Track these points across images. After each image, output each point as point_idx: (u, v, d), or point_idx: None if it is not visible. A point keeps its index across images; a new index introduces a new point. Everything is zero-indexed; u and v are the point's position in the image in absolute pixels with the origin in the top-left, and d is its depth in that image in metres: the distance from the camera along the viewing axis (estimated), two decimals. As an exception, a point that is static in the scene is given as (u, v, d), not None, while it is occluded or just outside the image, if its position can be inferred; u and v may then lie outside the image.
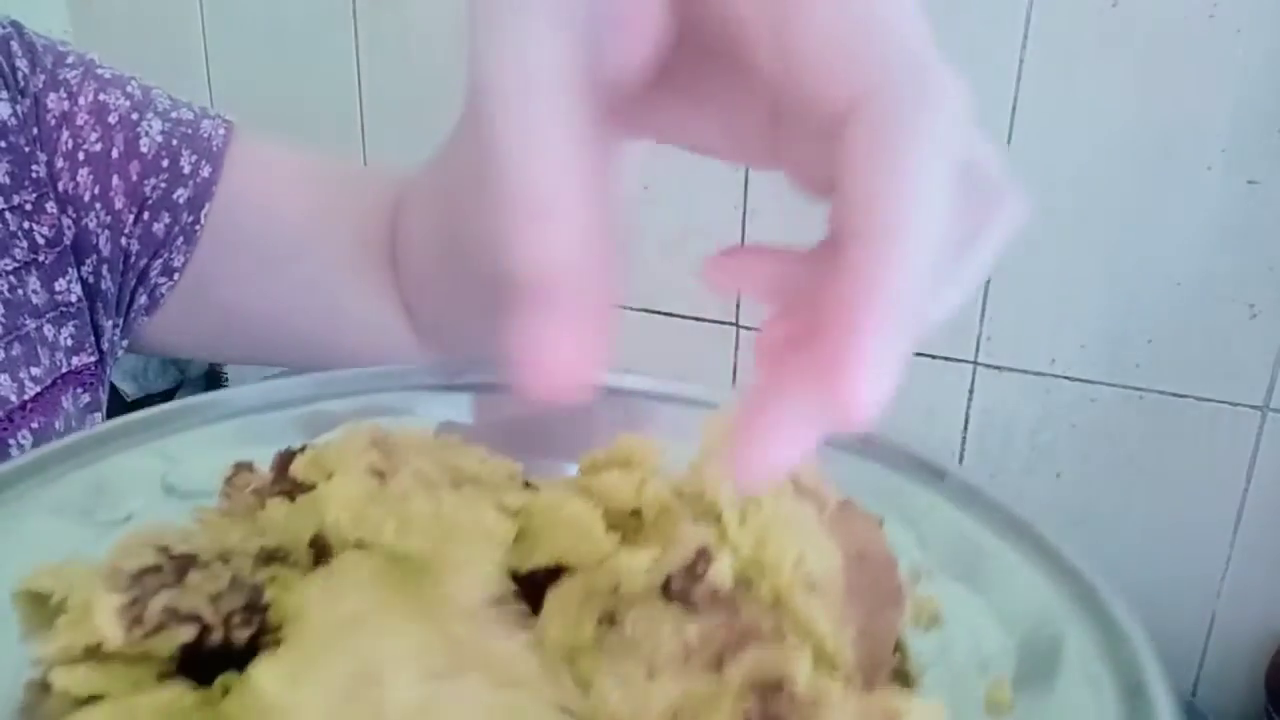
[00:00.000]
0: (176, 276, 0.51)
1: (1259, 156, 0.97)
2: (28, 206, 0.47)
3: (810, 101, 0.20)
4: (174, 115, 0.52)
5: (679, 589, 0.22)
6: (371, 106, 1.34)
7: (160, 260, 0.51)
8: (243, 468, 0.25)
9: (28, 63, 0.49)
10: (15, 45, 0.48)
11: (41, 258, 0.47)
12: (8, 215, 0.47)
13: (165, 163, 0.50)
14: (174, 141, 0.51)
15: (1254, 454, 1.03)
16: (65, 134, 0.49)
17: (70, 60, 0.50)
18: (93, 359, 0.49)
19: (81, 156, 0.49)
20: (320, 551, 0.22)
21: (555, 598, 0.23)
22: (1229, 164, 0.98)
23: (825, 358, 0.18)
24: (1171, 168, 1.00)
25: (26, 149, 0.47)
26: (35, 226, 0.47)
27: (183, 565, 0.21)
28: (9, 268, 0.46)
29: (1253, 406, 1.02)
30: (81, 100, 0.49)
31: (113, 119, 0.50)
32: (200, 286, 0.52)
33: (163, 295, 0.51)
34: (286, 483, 0.24)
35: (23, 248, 0.47)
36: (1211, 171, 0.99)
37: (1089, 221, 1.04)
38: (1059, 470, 1.12)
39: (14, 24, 0.50)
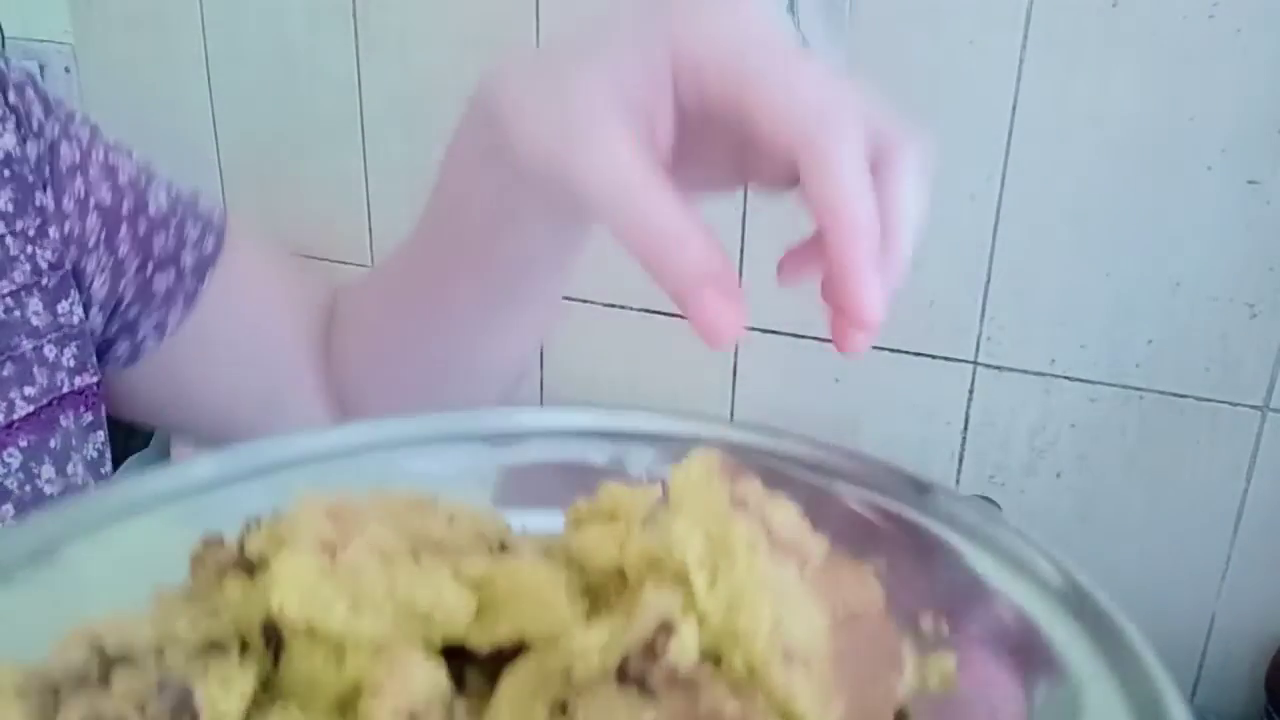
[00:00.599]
0: (166, 337, 0.53)
1: (1259, 156, 0.96)
2: (30, 232, 0.48)
3: (768, 147, 0.29)
4: (175, 189, 0.55)
5: (636, 671, 0.21)
6: (371, 106, 1.34)
7: (155, 316, 0.52)
8: (211, 543, 0.24)
9: (42, 109, 0.50)
10: (30, 92, 0.49)
11: (44, 280, 0.48)
12: (9, 240, 0.47)
13: (173, 226, 0.53)
14: (179, 208, 0.53)
15: (1254, 454, 1.03)
16: (79, 181, 0.50)
17: (79, 119, 0.52)
18: (95, 379, 0.50)
19: (92, 203, 0.51)
20: (271, 635, 0.22)
21: (507, 684, 0.21)
22: (1229, 164, 0.97)
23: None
24: (1171, 168, 0.99)
25: (31, 179, 0.48)
26: (39, 251, 0.48)
27: (112, 663, 0.20)
28: (6, 290, 0.47)
29: (1253, 406, 1.02)
30: (94, 156, 0.51)
31: (123, 179, 0.52)
32: (172, 356, 0.54)
33: (145, 352, 0.53)
34: (248, 558, 0.23)
35: (25, 271, 0.47)
36: (1211, 171, 0.98)
37: (1089, 221, 1.04)
38: (1059, 470, 1.11)
39: (30, 76, 0.51)
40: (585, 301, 1.29)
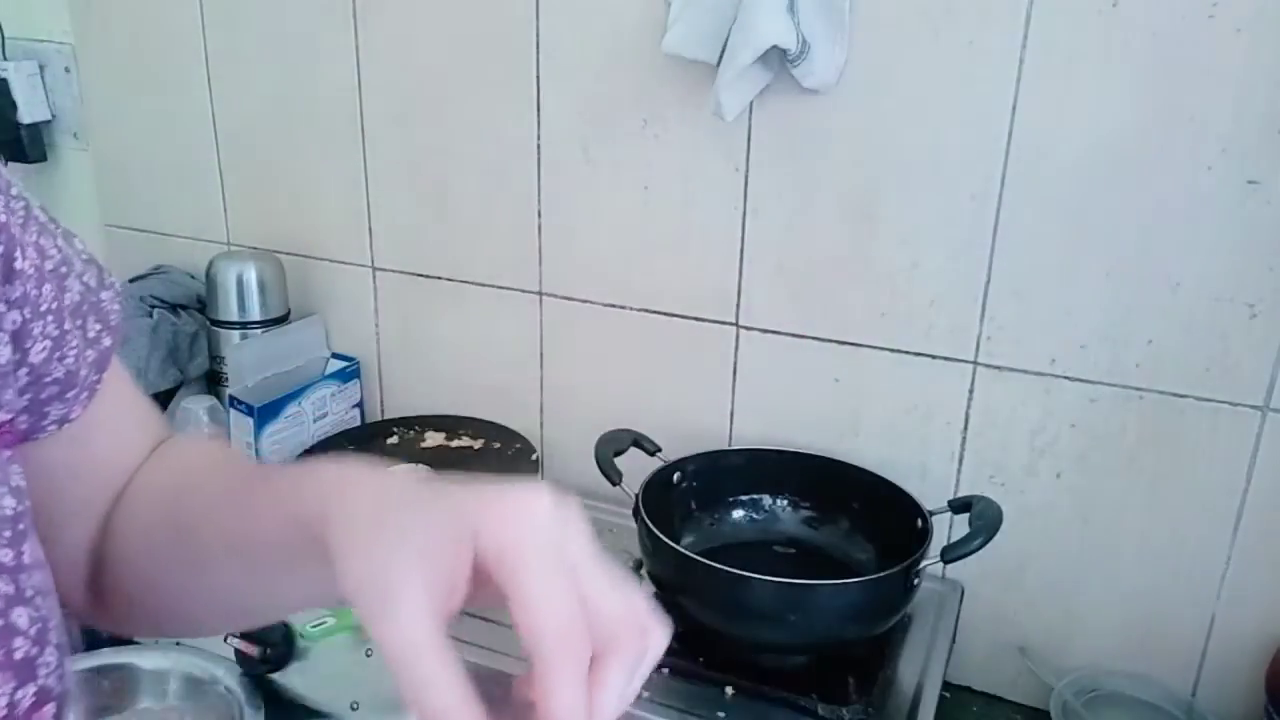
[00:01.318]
0: (65, 428, 0.53)
1: (1259, 156, 0.96)
2: None
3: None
4: (85, 279, 0.55)
5: None
6: (371, 106, 1.34)
7: (64, 406, 0.53)
8: None
9: None
10: None
11: None
12: None
13: (80, 321, 0.53)
14: (84, 306, 0.54)
15: (1254, 454, 1.03)
16: (31, 250, 0.50)
17: (14, 192, 0.51)
18: (8, 417, 0.49)
19: (48, 269, 0.51)
20: None
21: None
22: (1229, 164, 0.97)
23: None
24: (1171, 168, 0.99)
25: None
26: None
27: None
28: None
29: (1253, 406, 1.02)
30: (28, 236, 0.51)
31: (49, 265, 0.52)
32: (45, 451, 0.54)
33: (38, 438, 0.53)
34: None
35: None
36: (1211, 171, 0.98)
37: (1089, 221, 1.04)
38: (1059, 470, 1.11)
39: None
40: (585, 301, 1.29)
